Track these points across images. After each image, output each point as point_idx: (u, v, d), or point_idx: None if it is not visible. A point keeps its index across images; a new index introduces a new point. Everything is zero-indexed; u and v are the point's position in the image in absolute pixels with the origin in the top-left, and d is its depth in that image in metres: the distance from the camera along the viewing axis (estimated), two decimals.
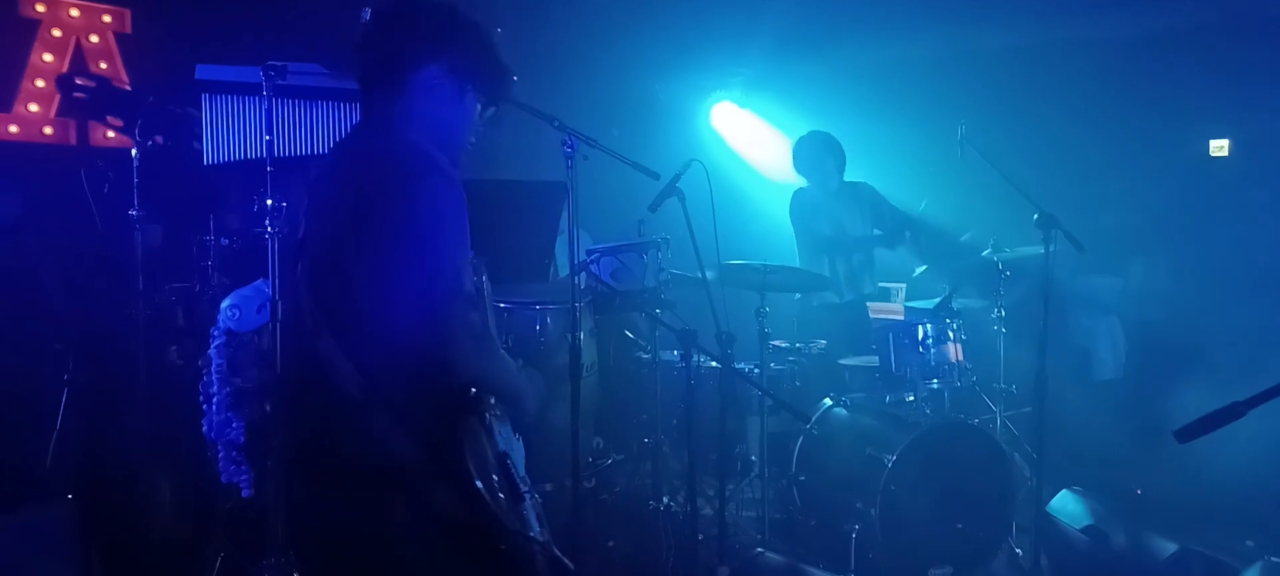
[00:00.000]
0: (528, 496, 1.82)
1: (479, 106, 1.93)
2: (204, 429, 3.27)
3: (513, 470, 1.80)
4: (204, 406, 3.27)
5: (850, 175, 4.92)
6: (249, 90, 3.15)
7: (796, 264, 4.82)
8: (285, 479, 1.91)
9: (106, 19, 4.16)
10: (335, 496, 1.75)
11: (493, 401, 1.81)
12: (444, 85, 1.85)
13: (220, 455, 3.24)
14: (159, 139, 3.43)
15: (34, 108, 4.01)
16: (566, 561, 1.85)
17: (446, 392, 1.72)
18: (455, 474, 1.70)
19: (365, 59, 1.89)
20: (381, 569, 1.73)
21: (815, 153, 4.81)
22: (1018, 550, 3.81)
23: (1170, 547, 3.25)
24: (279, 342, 2.96)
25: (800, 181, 4.96)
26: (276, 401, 3.12)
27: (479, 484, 1.71)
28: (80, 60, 4.09)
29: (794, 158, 4.91)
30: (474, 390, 1.74)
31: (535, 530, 1.82)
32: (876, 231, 4.82)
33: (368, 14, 3.51)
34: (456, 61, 1.85)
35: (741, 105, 6.53)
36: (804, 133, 4.93)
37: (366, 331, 1.69)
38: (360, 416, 1.70)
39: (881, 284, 5.15)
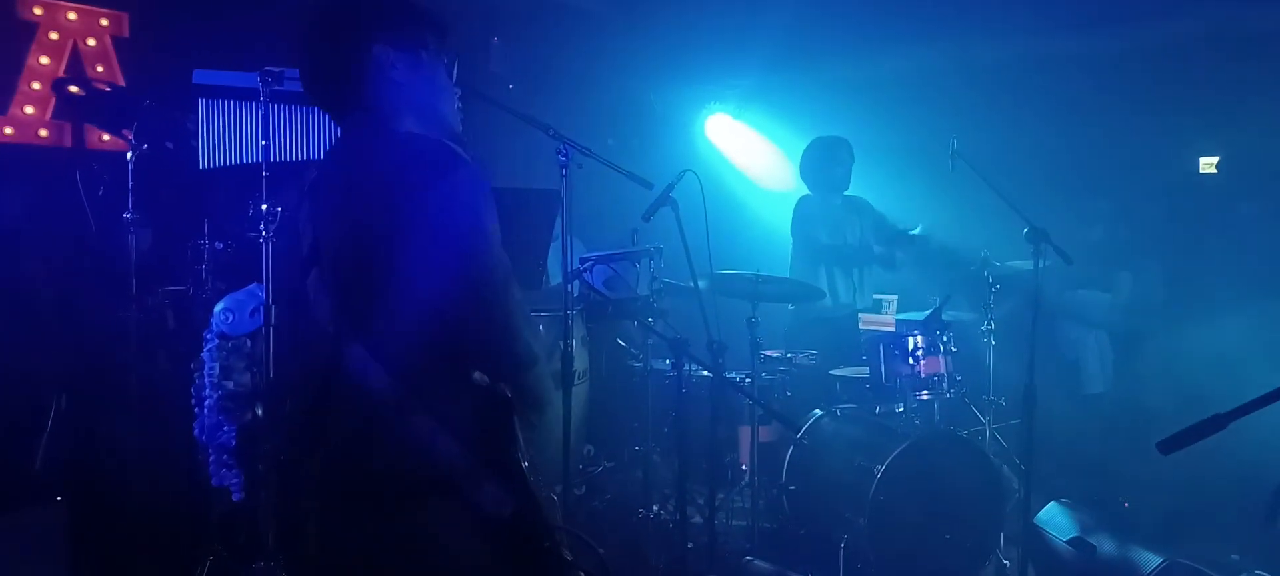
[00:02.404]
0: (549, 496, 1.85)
1: (441, 66, 1.86)
2: (195, 432, 3.28)
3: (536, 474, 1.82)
4: (196, 410, 3.28)
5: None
6: (245, 95, 3.16)
7: (787, 273, 4.85)
8: (299, 496, 1.82)
9: (104, 23, 4.17)
10: (373, 509, 1.68)
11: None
12: (394, 62, 1.76)
13: (211, 458, 3.25)
14: (154, 142, 3.44)
15: (30, 110, 4.02)
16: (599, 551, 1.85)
17: (489, 390, 1.71)
18: (506, 469, 1.69)
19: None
20: None
21: (826, 158, 4.82)
22: (1005, 561, 3.83)
23: (1156, 560, 3.27)
24: (274, 348, 2.97)
25: (795, 191, 4.98)
26: (269, 407, 3.13)
27: (530, 479, 1.71)
28: (77, 63, 4.09)
29: (803, 162, 4.90)
30: (509, 392, 1.74)
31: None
32: (876, 248, 4.86)
33: None
34: (389, 32, 1.76)
35: (736, 117, 6.57)
36: (803, 141, 4.95)
37: (403, 333, 1.65)
38: (398, 422, 1.65)
39: (874, 295, 5.18)
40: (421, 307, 1.62)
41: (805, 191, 4.92)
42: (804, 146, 4.95)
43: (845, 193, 4.87)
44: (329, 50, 1.79)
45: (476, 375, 1.72)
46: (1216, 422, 1.68)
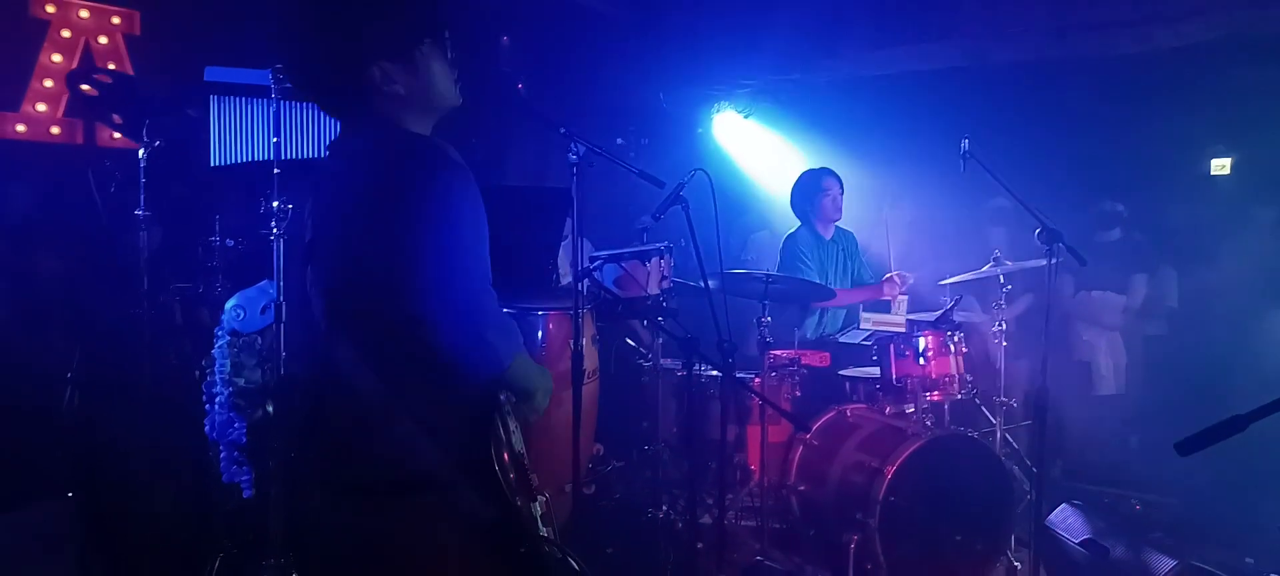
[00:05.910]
0: (540, 497, 1.83)
1: (438, 52, 1.81)
2: (206, 429, 3.28)
3: (528, 469, 1.81)
4: (206, 406, 3.28)
5: (851, 190, 4.91)
6: (257, 92, 3.17)
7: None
8: (300, 489, 1.87)
9: (116, 20, 4.19)
10: (357, 507, 1.72)
11: (503, 398, 1.80)
12: (393, 77, 1.74)
13: (222, 455, 3.25)
14: (166, 139, 3.45)
15: (42, 107, 4.03)
16: (574, 563, 1.84)
17: (469, 393, 1.70)
18: (483, 476, 1.69)
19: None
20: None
21: (810, 189, 4.76)
22: (1016, 563, 3.81)
23: (1169, 563, 3.25)
24: (284, 345, 2.97)
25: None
26: (279, 404, 3.13)
27: (505, 485, 1.71)
28: (89, 61, 4.11)
29: (792, 195, 4.85)
30: (493, 390, 1.74)
31: (542, 531, 1.82)
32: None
33: None
34: (384, 49, 1.73)
35: (746, 116, 6.55)
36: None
37: (387, 334, 1.66)
38: (382, 425, 1.68)
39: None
40: (406, 304, 1.61)
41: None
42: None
43: (836, 224, 4.82)
44: (328, 75, 1.77)
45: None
46: (1236, 424, 1.66)
